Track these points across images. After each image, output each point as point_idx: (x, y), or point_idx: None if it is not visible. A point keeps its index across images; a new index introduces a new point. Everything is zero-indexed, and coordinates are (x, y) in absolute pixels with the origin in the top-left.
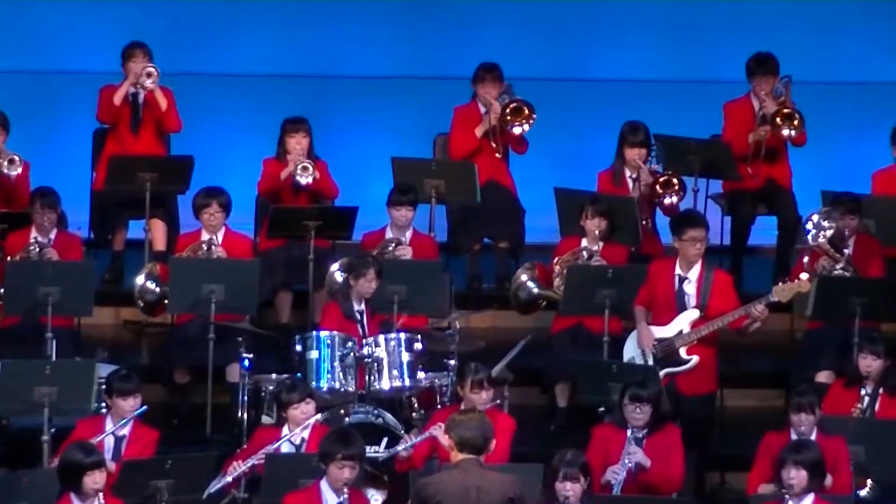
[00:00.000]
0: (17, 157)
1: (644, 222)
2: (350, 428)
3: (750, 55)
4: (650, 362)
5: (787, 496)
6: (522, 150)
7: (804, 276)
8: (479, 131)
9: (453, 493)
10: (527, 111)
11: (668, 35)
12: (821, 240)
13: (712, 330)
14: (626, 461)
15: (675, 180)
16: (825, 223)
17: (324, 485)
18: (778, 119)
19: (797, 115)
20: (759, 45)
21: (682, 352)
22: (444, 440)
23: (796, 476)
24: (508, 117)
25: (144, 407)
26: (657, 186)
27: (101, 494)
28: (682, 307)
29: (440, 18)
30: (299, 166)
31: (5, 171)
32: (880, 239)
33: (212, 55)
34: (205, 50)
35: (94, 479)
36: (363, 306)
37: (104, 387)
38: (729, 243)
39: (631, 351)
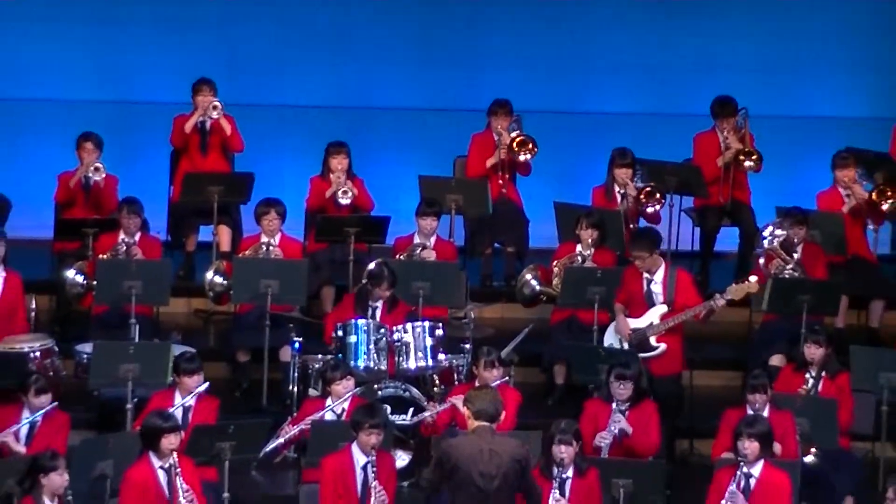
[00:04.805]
0: (101, 166)
1: (630, 231)
2: (376, 402)
3: (716, 93)
4: (626, 348)
5: (742, 462)
6: (527, 173)
7: (753, 278)
8: (489, 162)
9: (469, 453)
10: (531, 144)
11: (647, 75)
12: (774, 244)
13: (678, 322)
14: (612, 427)
15: (657, 192)
16: (778, 231)
17: (354, 448)
18: (741, 157)
19: (755, 153)
20: (724, 83)
21: (653, 340)
22: (463, 410)
23: (750, 446)
24: (516, 147)
25: (206, 383)
26: (642, 197)
27: (175, 454)
28: (651, 303)
29: (460, 59)
30: (340, 190)
31: (90, 175)
32: (824, 248)
33: (266, 89)
34: (260, 84)
35: (170, 441)
36: (380, 303)
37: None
38: (699, 249)
39: (610, 338)
